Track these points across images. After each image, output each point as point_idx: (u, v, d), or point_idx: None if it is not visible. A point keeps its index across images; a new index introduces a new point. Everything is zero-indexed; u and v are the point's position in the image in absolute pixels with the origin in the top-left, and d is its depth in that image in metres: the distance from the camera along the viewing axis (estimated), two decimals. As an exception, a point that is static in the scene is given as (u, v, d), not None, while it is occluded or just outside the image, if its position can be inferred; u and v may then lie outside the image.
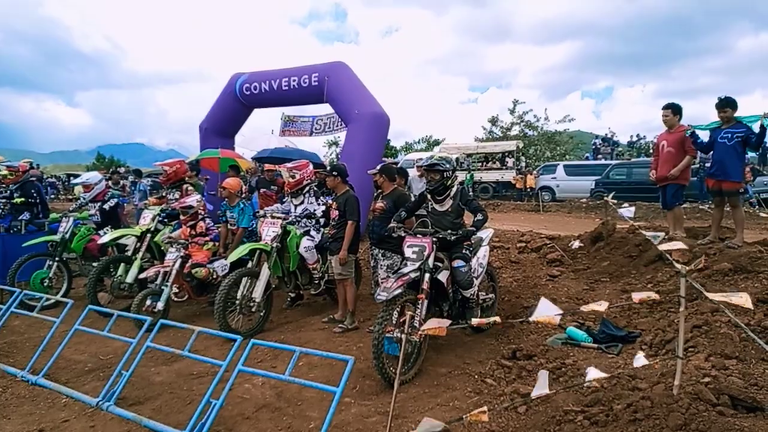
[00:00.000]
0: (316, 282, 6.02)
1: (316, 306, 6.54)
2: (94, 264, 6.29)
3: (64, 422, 3.38)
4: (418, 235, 4.28)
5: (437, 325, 2.39)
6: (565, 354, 4.30)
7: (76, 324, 4.19)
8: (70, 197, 20.05)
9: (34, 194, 7.61)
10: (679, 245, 3.52)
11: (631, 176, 16.94)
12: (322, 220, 6.05)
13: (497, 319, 2.71)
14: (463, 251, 4.54)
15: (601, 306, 2.74)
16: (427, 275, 4.07)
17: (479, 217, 4.39)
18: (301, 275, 6.02)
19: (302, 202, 6.00)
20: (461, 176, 20.00)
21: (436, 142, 39.91)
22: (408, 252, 4.20)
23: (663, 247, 3.38)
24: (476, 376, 4.13)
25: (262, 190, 7.96)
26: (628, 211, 4.92)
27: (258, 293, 5.28)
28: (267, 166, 8.12)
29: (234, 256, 5.43)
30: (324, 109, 13.32)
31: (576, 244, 7.59)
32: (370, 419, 3.39)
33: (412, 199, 5.31)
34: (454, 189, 4.61)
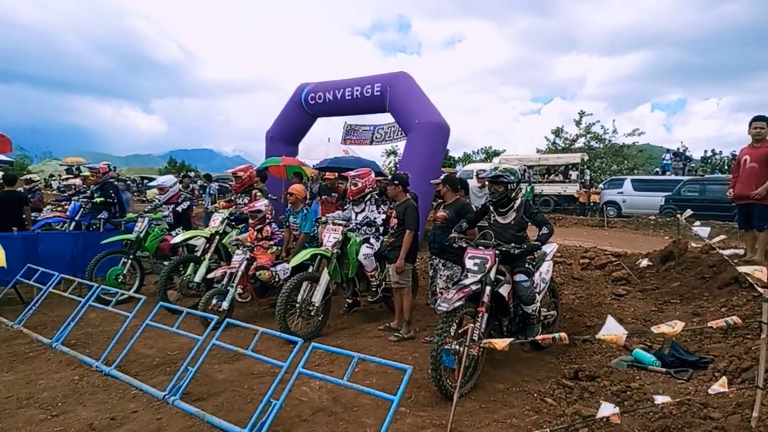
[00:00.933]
0: (374, 289, 6.07)
1: (373, 313, 6.58)
2: (166, 263, 6.64)
3: (133, 413, 3.55)
4: (480, 247, 4.23)
5: (502, 341, 2.34)
6: (630, 377, 4.11)
7: (147, 319, 4.41)
8: (143, 199, 21.25)
9: (113, 194, 8.13)
10: (761, 267, 3.29)
11: (705, 193, 15.98)
12: (381, 228, 6.11)
13: (563, 335, 2.63)
14: (526, 265, 4.44)
15: (675, 327, 2.60)
16: (488, 288, 4.01)
17: (545, 230, 4.29)
18: (359, 282, 6.08)
19: (363, 210, 6.08)
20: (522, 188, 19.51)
21: (496, 153, 39.33)
22: (469, 264, 4.15)
23: (743, 269, 3.17)
24: (535, 395, 4.01)
25: (323, 197, 8.12)
26: (703, 229, 4.64)
27: (317, 298, 5.38)
28: (328, 174, 8.28)
29: (296, 260, 5.57)
30: (385, 118, 13.47)
31: (644, 262, 7.26)
32: (425, 430, 3.36)
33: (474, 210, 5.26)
34: (518, 201, 4.53)
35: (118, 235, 6.99)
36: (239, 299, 6.06)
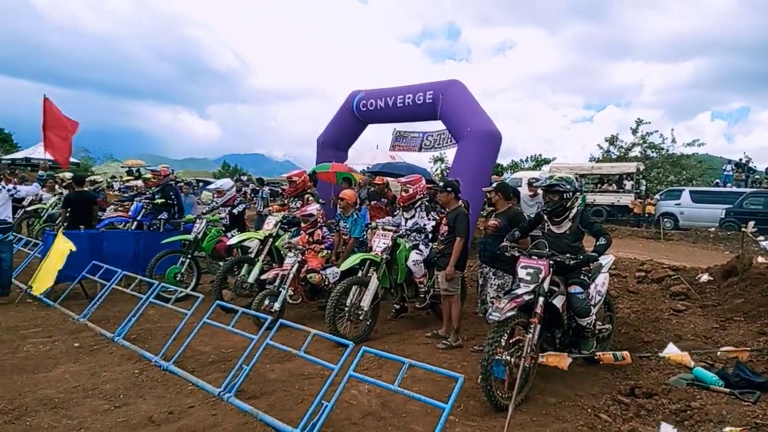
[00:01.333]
0: (422, 296, 6.07)
1: (420, 320, 6.57)
2: (221, 263, 6.86)
3: (190, 408, 3.68)
4: (533, 257, 4.16)
5: (558, 356, 2.29)
6: (690, 396, 3.93)
7: (204, 317, 4.56)
8: (199, 201, 22.00)
9: (173, 196, 8.47)
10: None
11: (769, 206, 15.15)
12: (431, 235, 6.10)
13: (626, 354, 2.54)
14: (581, 277, 4.33)
15: (743, 352, 2.47)
16: (541, 299, 3.94)
17: (602, 241, 4.18)
18: (408, 288, 6.09)
19: (413, 216, 6.10)
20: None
21: (545, 161, 38.48)
22: (522, 273, 4.09)
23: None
24: (589, 410, 3.90)
25: (372, 202, 8.19)
26: (769, 244, 4.40)
27: (366, 302, 5.43)
28: (377, 179, 8.35)
29: (346, 264, 5.64)
30: (434, 125, 13.46)
31: (704, 277, 6.93)
32: (475, 441, 3.33)
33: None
34: (574, 211, 4.43)
35: (178, 236, 7.28)
36: (290, 301, 6.17)
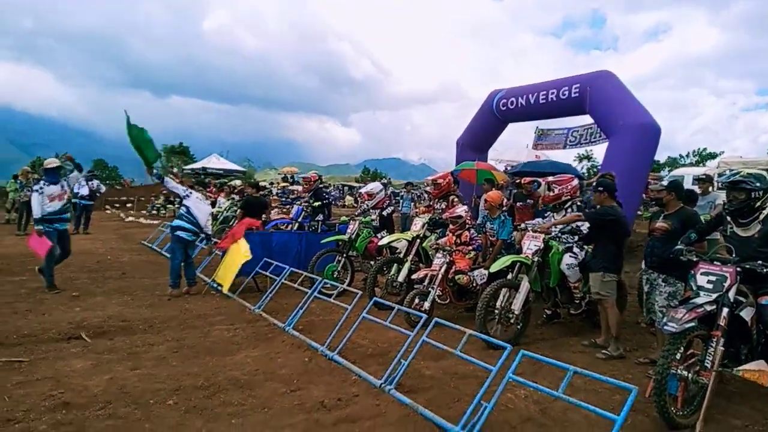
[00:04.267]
0: (577, 302, 5.79)
1: (573, 327, 6.27)
2: (371, 262, 7.23)
3: (355, 396, 3.94)
4: (716, 262, 3.75)
5: (760, 369, 2.06)
6: None
7: (363, 312, 4.85)
8: (344, 204, 23.33)
9: (326, 196, 9.17)
10: None
11: None
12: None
13: None
14: None
15: None
16: (725, 310, 3.54)
17: None
18: (561, 293, 5.85)
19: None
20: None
21: (711, 156, 34.16)
22: (702, 281, 3.71)
23: None
24: (785, 438, 3.43)
25: (518, 204, 8.01)
26: None
27: (517, 305, 5.33)
28: (525, 180, 8.14)
29: (496, 266, 5.59)
30: (578, 121, 12.75)
31: None
32: (648, 458, 3.11)
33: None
34: (766, 211, 3.90)
35: (334, 236, 7.84)
36: (438, 301, 6.30)
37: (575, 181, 6.07)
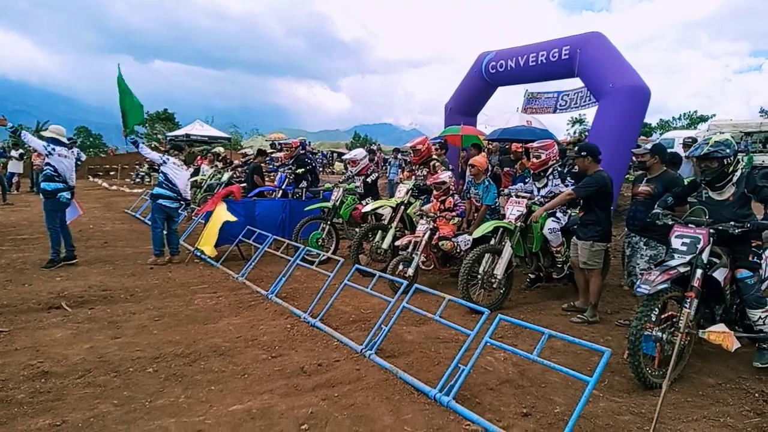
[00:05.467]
0: (559, 266, 5.82)
1: (556, 290, 6.34)
2: (357, 229, 7.20)
3: (336, 361, 3.96)
4: (690, 225, 3.75)
5: (724, 332, 2.06)
6: None
7: (345, 280, 4.85)
8: (333, 171, 23.16)
9: (309, 162, 9.08)
10: None
11: None
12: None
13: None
14: (751, 258, 3.81)
15: None
16: (699, 271, 3.56)
17: None
18: (544, 257, 5.88)
19: (546, 185, 5.81)
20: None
21: (702, 119, 34.14)
22: (676, 243, 3.72)
23: None
24: (757, 395, 3.52)
25: (505, 169, 7.97)
26: None
27: (500, 270, 5.34)
28: (514, 146, 8.06)
29: (478, 232, 5.58)
30: (569, 84, 12.59)
31: None
32: (621, 417, 3.17)
33: None
34: (738, 174, 3.87)
35: (318, 203, 7.78)
36: (422, 267, 6.32)
37: (556, 147, 6.03)
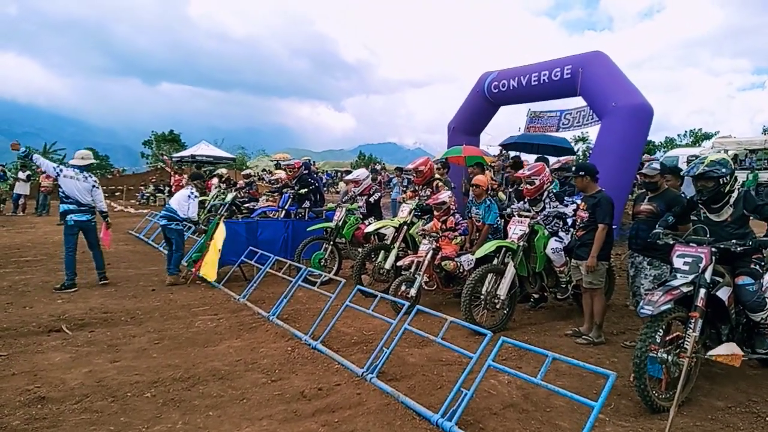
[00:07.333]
0: (563, 286, 5.75)
1: (561, 311, 6.25)
2: (359, 249, 7.16)
3: (336, 385, 3.90)
4: (692, 244, 3.70)
5: (731, 352, 2.01)
6: None
7: (347, 301, 4.80)
8: (338, 191, 23.18)
9: (312, 182, 9.06)
10: None
11: None
12: (570, 221, 5.73)
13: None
14: (752, 266, 3.77)
15: None
16: (702, 291, 3.50)
17: None
18: (548, 277, 5.81)
19: (543, 209, 5.76)
20: (741, 177, 16.60)
21: (706, 136, 34.12)
22: (678, 263, 3.67)
23: None
24: (767, 419, 3.41)
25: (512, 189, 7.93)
26: None
27: (503, 291, 5.28)
28: (517, 174, 8.04)
29: (481, 252, 5.53)
30: (572, 103, 12.63)
31: None
32: (628, 443, 3.08)
33: None
34: (735, 194, 3.85)
35: (321, 223, 7.76)
36: (425, 287, 6.26)
37: (547, 170, 6.00)
